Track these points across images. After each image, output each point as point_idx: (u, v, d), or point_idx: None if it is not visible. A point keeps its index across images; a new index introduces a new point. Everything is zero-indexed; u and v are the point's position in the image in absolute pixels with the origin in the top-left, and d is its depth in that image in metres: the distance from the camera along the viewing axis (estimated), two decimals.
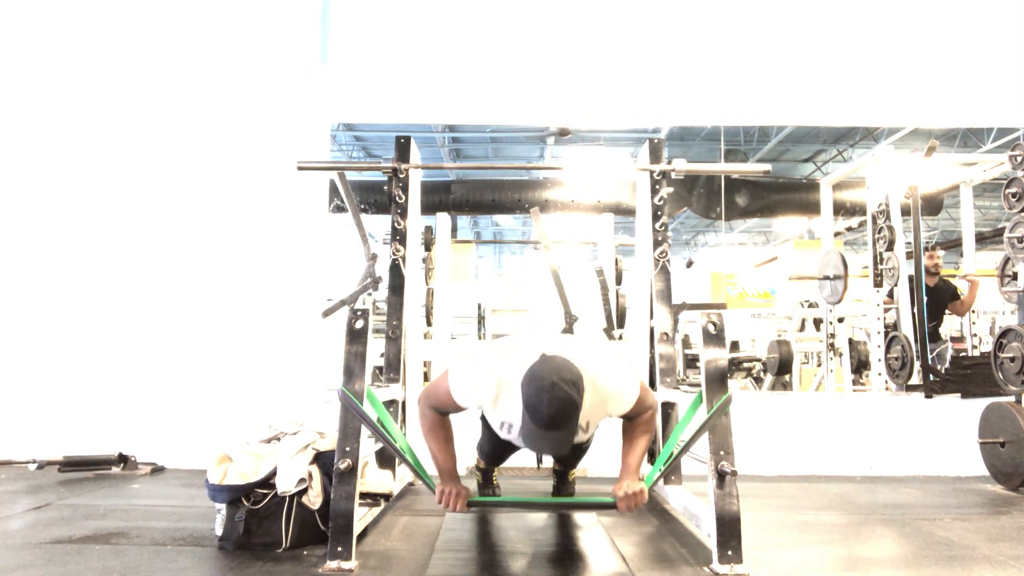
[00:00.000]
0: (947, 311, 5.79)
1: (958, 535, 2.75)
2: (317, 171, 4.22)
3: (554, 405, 1.98)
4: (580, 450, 2.81)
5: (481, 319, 9.35)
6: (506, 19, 4.59)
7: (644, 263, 3.36)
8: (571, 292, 5.67)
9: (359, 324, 2.52)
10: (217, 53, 4.47)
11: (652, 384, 3.17)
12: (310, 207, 4.39)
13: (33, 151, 4.44)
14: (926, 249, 5.39)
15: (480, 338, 8.98)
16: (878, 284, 4.98)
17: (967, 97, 4.62)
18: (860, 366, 6.21)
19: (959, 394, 4.32)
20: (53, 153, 4.43)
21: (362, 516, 2.54)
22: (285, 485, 2.46)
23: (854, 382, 6.11)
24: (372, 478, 2.83)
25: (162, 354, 4.27)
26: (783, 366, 7.21)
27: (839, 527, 2.90)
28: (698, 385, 2.50)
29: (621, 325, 5.29)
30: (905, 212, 4.87)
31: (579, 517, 2.96)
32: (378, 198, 8.68)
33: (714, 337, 2.50)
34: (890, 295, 4.99)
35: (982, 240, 8.30)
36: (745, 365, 8.56)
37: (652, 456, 3.12)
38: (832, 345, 6.01)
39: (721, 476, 2.30)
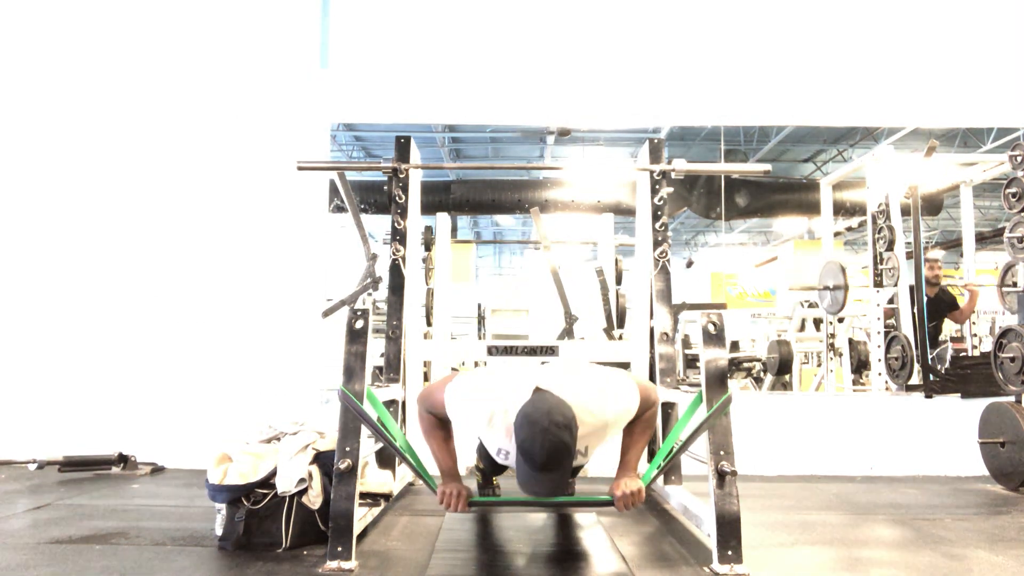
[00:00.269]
0: (947, 318, 5.83)
1: (958, 535, 2.75)
2: (317, 171, 4.23)
3: (546, 449, 1.97)
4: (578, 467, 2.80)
5: (481, 319, 9.35)
6: (505, 19, 4.59)
7: (644, 263, 3.36)
8: (571, 292, 5.68)
9: (359, 324, 2.52)
10: (218, 55, 4.47)
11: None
12: (310, 207, 4.39)
13: (35, 153, 4.45)
14: (927, 259, 5.40)
15: (480, 338, 8.97)
16: (878, 284, 4.98)
17: (967, 97, 4.62)
18: (860, 366, 6.20)
19: (959, 394, 4.32)
20: (55, 154, 4.43)
21: (362, 516, 2.54)
22: (285, 485, 2.46)
23: (854, 382, 6.10)
24: (372, 478, 2.83)
25: (162, 354, 4.27)
26: (783, 366, 7.20)
27: (839, 527, 2.90)
28: (698, 385, 2.50)
29: (621, 325, 5.28)
30: (905, 212, 4.87)
31: (579, 517, 2.96)
32: (378, 198, 8.67)
33: (714, 337, 2.50)
34: (889, 301, 5.02)
35: (982, 240, 8.29)
36: (745, 365, 8.56)
37: (651, 455, 3.12)
38: (832, 345, 6.01)
39: (721, 476, 2.30)
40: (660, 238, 3.26)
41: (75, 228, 4.39)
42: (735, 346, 9.84)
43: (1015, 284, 3.72)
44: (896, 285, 4.88)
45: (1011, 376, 3.67)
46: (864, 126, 9.55)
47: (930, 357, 4.57)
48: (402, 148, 3.32)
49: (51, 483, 3.67)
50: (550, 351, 3.47)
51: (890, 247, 4.90)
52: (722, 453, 2.32)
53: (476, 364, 5.72)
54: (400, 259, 3.26)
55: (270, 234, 4.36)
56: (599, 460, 3.37)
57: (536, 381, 2.17)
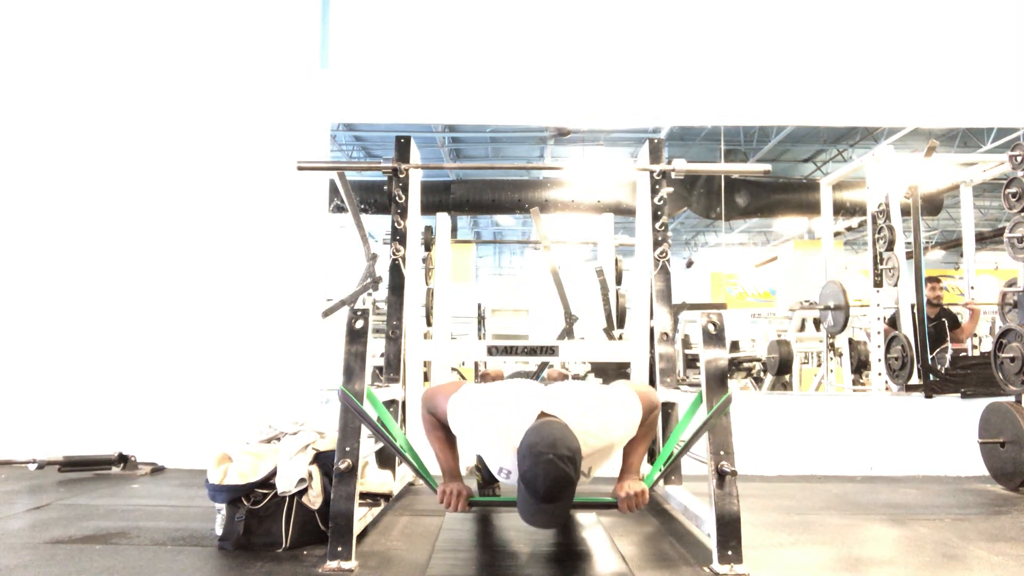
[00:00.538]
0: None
1: (958, 535, 2.75)
2: (317, 171, 4.23)
3: (549, 482, 1.94)
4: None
5: (481, 319, 9.35)
6: (505, 19, 4.59)
7: (644, 263, 3.36)
8: (571, 292, 5.67)
9: (359, 324, 2.52)
10: (218, 55, 4.47)
11: (652, 384, 3.17)
12: (310, 207, 4.39)
13: (36, 153, 4.45)
14: (928, 279, 5.42)
15: (480, 338, 8.97)
16: (878, 284, 4.98)
17: (967, 97, 4.62)
18: (860, 366, 6.20)
19: (959, 394, 4.32)
20: (55, 155, 4.44)
21: (362, 516, 2.54)
22: (285, 485, 2.46)
23: (854, 382, 6.10)
24: (372, 478, 2.83)
25: (162, 354, 4.27)
26: (783, 366, 7.20)
27: (839, 527, 2.90)
28: (698, 385, 2.50)
29: (621, 325, 5.29)
30: (905, 212, 4.87)
31: (579, 517, 2.96)
32: (378, 198, 8.67)
33: (714, 337, 2.50)
34: (892, 324, 5.05)
35: (982, 240, 8.29)
36: (745, 365, 8.56)
37: (652, 456, 3.12)
38: (832, 345, 6.01)
39: (721, 476, 2.30)
40: (660, 238, 3.26)
41: (75, 228, 4.39)
42: (735, 346, 9.84)
43: (1015, 304, 3.72)
44: (896, 285, 4.88)
45: (1011, 376, 3.67)
46: (864, 126, 9.55)
47: (930, 357, 4.57)
48: (402, 148, 3.32)
49: (51, 483, 3.67)
50: (550, 351, 3.47)
51: (890, 247, 4.90)
52: (722, 453, 2.32)
53: (476, 364, 5.72)
54: (400, 259, 3.26)
55: (270, 234, 4.36)
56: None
57: (541, 405, 2.15)
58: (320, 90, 4.47)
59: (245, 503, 2.46)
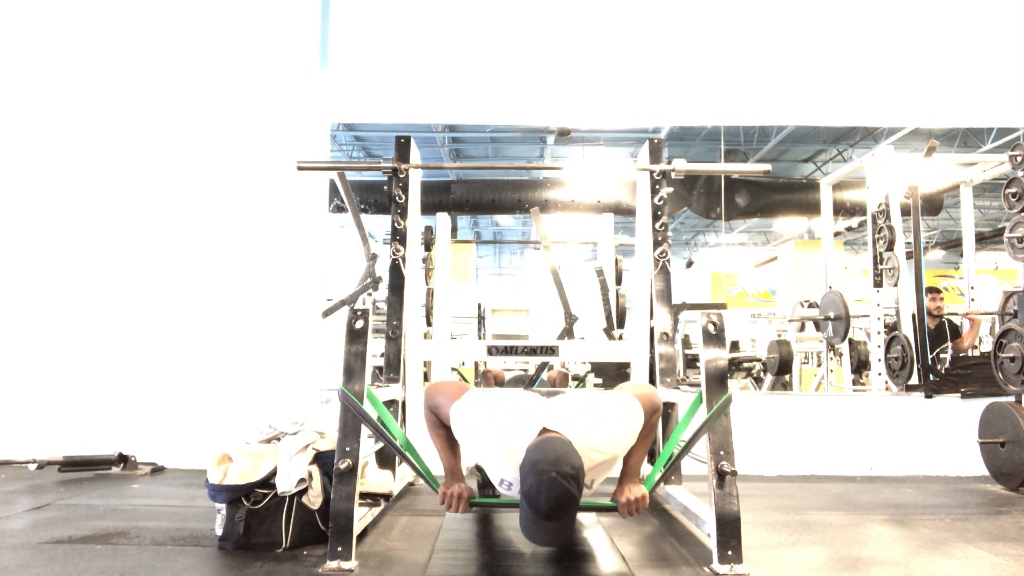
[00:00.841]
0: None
1: (958, 535, 2.75)
2: (317, 171, 4.23)
3: (552, 500, 1.93)
4: None
5: (481, 319, 9.34)
6: (505, 19, 4.59)
7: (644, 263, 3.35)
8: (571, 292, 5.67)
9: (359, 324, 2.52)
10: (218, 55, 4.48)
11: (652, 384, 3.17)
12: (310, 207, 4.39)
13: (36, 153, 4.45)
14: (929, 290, 5.41)
15: (480, 338, 8.97)
16: (878, 284, 4.98)
17: (967, 97, 4.62)
18: (860, 366, 6.20)
19: (959, 394, 4.32)
20: (55, 155, 4.44)
21: (362, 516, 2.54)
22: (285, 485, 2.46)
23: (854, 382, 6.10)
24: (372, 478, 2.83)
25: (162, 354, 4.28)
26: (783, 366, 7.20)
27: (839, 527, 2.90)
28: (698, 385, 2.50)
29: (621, 325, 5.28)
30: (905, 212, 4.86)
31: (579, 517, 2.95)
32: (378, 198, 8.66)
33: (714, 337, 2.50)
34: (892, 329, 5.02)
35: (982, 240, 8.28)
36: (745, 365, 8.55)
37: (652, 456, 3.12)
38: (832, 345, 6.00)
39: (721, 476, 2.30)
40: (660, 238, 3.26)
41: (75, 228, 4.39)
42: (735, 346, 9.83)
43: (1015, 314, 3.72)
44: (896, 285, 4.88)
45: (1011, 376, 3.67)
46: (864, 126, 9.54)
47: (930, 357, 4.56)
48: (402, 148, 3.32)
49: (51, 483, 3.67)
50: (550, 351, 3.47)
51: (890, 247, 4.89)
52: (722, 453, 2.32)
53: (476, 364, 5.72)
54: (400, 259, 3.26)
55: (270, 234, 4.36)
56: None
57: (543, 420, 2.14)
58: (320, 90, 4.47)
59: (245, 503, 2.46)
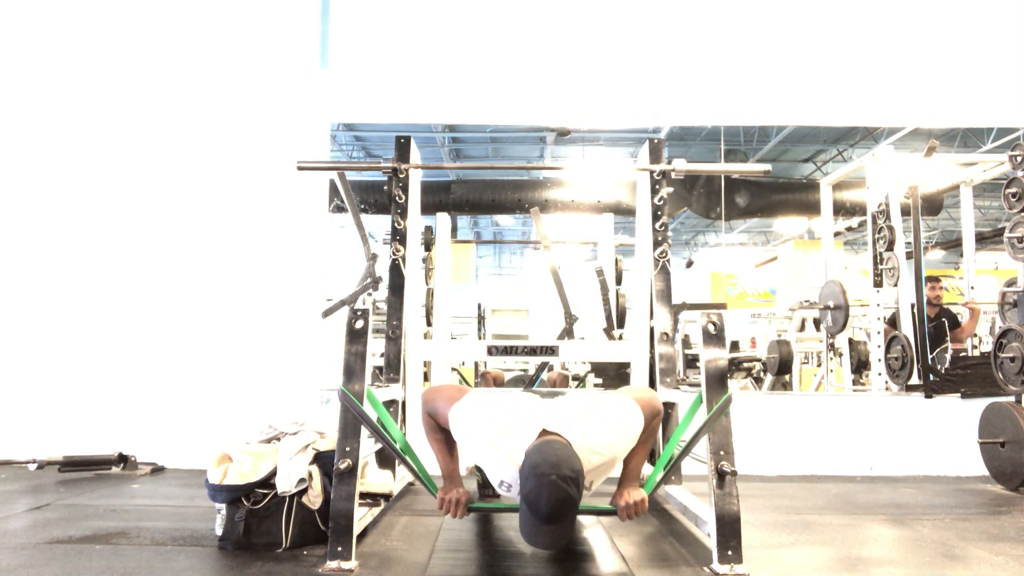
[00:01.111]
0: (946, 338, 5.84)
1: (958, 535, 2.75)
2: (317, 171, 4.22)
3: (553, 503, 1.92)
4: None
5: (481, 319, 9.34)
6: (505, 19, 4.59)
7: (644, 263, 3.35)
8: (571, 292, 5.67)
9: (359, 324, 2.52)
10: (218, 55, 4.48)
11: (652, 384, 3.17)
12: (310, 207, 4.39)
13: (36, 153, 4.45)
14: (928, 279, 5.41)
15: (480, 338, 8.97)
16: (878, 284, 4.98)
17: (967, 97, 4.62)
18: (860, 366, 6.20)
19: (959, 394, 4.32)
20: (55, 155, 4.44)
21: (362, 516, 2.54)
22: (285, 485, 2.46)
23: (854, 382, 6.10)
24: (372, 478, 2.83)
25: (162, 354, 4.28)
26: (783, 366, 7.20)
27: (839, 527, 2.90)
28: (698, 385, 2.50)
29: (621, 325, 5.28)
30: (905, 212, 4.86)
31: (579, 517, 2.95)
32: (378, 198, 8.66)
33: (714, 337, 2.50)
34: (892, 324, 5.01)
35: (982, 240, 8.28)
36: (745, 365, 8.55)
37: (652, 458, 3.12)
38: (832, 345, 6.00)
39: (721, 476, 2.30)
40: (660, 238, 3.26)
41: (76, 228, 4.39)
42: (735, 346, 9.83)
43: (1015, 304, 3.72)
44: (896, 285, 4.88)
45: (1011, 376, 3.67)
46: (864, 126, 9.54)
47: (930, 357, 4.56)
48: (402, 148, 3.32)
49: (51, 483, 3.67)
50: (550, 351, 3.47)
51: (890, 247, 4.89)
52: (722, 453, 2.32)
53: (476, 364, 5.72)
54: (400, 259, 3.26)
55: (270, 234, 4.36)
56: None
57: (543, 422, 2.13)
58: (320, 90, 4.47)
59: (245, 503, 2.46)
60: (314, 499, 2.50)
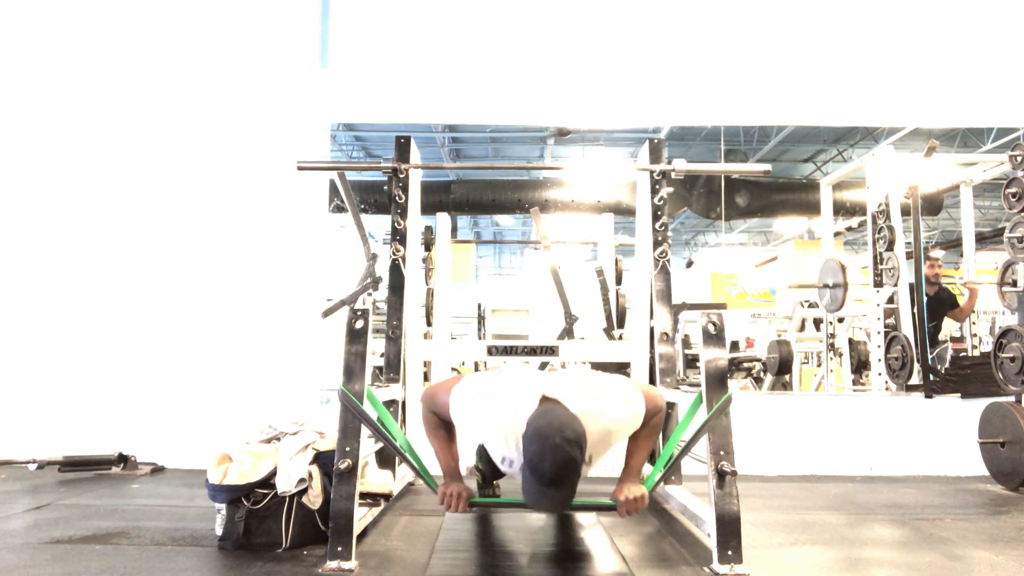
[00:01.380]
0: (946, 317, 5.81)
1: (958, 535, 2.75)
2: (317, 171, 4.22)
3: (556, 466, 1.94)
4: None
5: (481, 319, 9.34)
6: (506, 19, 4.59)
7: (644, 263, 3.36)
8: (571, 292, 5.67)
9: (359, 324, 2.52)
10: (218, 55, 4.47)
11: (652, 384, 3.17)
12: (310, 207, 4.39)
13: (36, 153, 4.45)
14: (927, 258, 5.39)
15: (480, 338, 8.97)
16: (878, 284, 4.98)
17: (967, 97, 4.62)
18: (860, 366, 6.20)
19: (959, 394, 4.32)
20: (55, 154, 4.43)
21: (362, 516, 2.54)
22: (285, 485, 2.46)
23: (854, 382, 6.10)
24: (372, 478, 2.83)
25: (162, 354, 4.27)
26: (783, 366, 7.20)
27: (839, 527, 2.90)
28: (698, 385, 2.50)
29: (621, 325, 5.29)
30: (905, 212, 4.87)
31: (579, 517, 2.96)
32: (378, 198, 8.66)
33: (714, 337, 2.50)
34: (889, 300, 4.98)
35: (982, 240, 8.27)
36: (745, 365, 8.56)
37: (652, 457, 3.12)
38: (832, 345, 6.01)
39: (721, 476, 2.30)
40: (660, 238, 3.26)
41: (76, 228, 4.39)
42: (735, 346, 9.83)
43: (1015, 283, 3.72)
44: (896, 285, 4.88)
45: (1011, 376, 3.67)
46: (864, 126, 9.54)
47: (930, 357, 4.56)
48: (402, 148, 3.32)
49: (51, 483, 3.67)
50: (550, 351, 3.47)
51: (890, 247, 4.89)
52: (722, 453, 2.32)
53: (476, 364, 5.72)
54: (400, 259, 3.26)
55: (270, 234, 4.36)
56: (600, 462, 3.36)
57: (543, 389, 2.15)
58: (320, 90, 4.47)
59: (245, 503, 2.46)
60: (314, 499, 2.50)
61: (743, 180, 9.57)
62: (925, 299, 4.59)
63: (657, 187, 3.29)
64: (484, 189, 9.09)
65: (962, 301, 5.75)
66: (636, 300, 3.60)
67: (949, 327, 6.47)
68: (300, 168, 3.35)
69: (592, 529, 2.81)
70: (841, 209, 8.48)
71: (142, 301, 4.32)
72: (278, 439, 2.64)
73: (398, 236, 3.27)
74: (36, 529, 2.73)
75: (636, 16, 4.60)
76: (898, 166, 5.04)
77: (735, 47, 4.60)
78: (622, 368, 3.57)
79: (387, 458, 3.16)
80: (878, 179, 5.08)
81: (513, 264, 19.90)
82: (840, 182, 6.27)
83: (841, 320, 6.07)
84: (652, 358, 3.23)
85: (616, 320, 5.23)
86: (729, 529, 2.25)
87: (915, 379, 4.58)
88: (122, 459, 3.98)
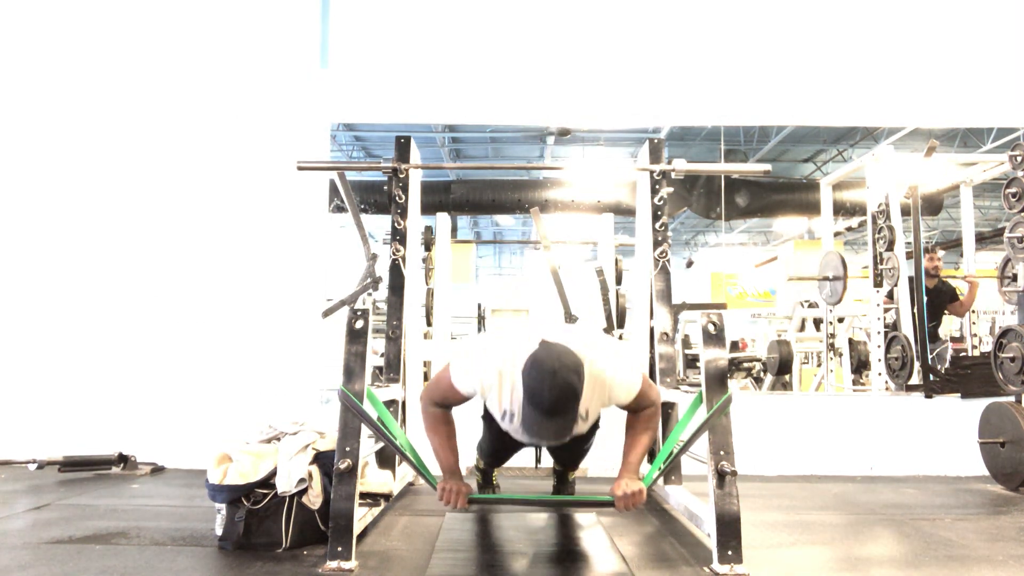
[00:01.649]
0: (946, 312, 5.79)
1: (958, 535, 2.75)
2: (317, 171, 4.22)
3: (555, 391, 2.00)
4: (580, 448, 2.80)
5: (481, 319, 9.34)
6: (506, 19, 4.59)
7: (644, 263, 3.36)
8: (571, 292, 5.67)
9: (359, 324, 2.52)
10: (218, 56, 4.47)
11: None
12: (310, 207, 4.39)
13: (36, 153, 4.45)
14: (926, 250, 5.38)
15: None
16: (878, 284, 4.98)
17: (967, 97, 4.62)
18: (860, 366, 6.20)
19: (959, 394, 4.32)
20: (56, 154, 4.44)
21: (362, 516, 2.54)
22: (285, 485, 2.46)
23: (854, 382, 6.10)
24: (372, 478, 2.83)
25: (162, 354, 4.27)
26: (783, 366, 7.20)
27: (839, 527, 2.90)
28: (698, 385, 2.50)
29: (621, 325, 5.28)
30: (905, 212, 4.86)
31: (579, 517, 2.96)
32: (378, 198, 8.67)
33: (714, 337, 2.50)
34: (890, 295, 4.97)
35: (982, 240, 8.29)
36: (745, 365, 8.56)
37: (652, 456, 3.12)
38: (832, 345, 6.00)
39: (721, 476, 2.30)
40: (660, 238, 3.26)
41: (76, 228, 4.39)
42: (735, 346, 9.83)
43: (1015, 277, 3.71)
44: (896, 285, 4.88)
45: (1011, 376, 3.67)
46: (864, 126, 9.55)
47: (930, 357, 4.56)
48: (402, 148, 3.32)
49: (51, 483, 3.67)
50: None
51: (890, 247, 4.89)
52: (722, 453, 2.32)
53: None
54: (400, 259, 3.26)
55: (270, 234, 4.36)
56: (599, 460, 3.38)
57: (543, 335, 2.21)
58: (320, 90, 4.47)
59: (245, 503, 2.46)
60: (314, 499, 2.50)
61: (743, 180, 9.58)
62: (925, 292, 4.57)
63: (657, 187, 3.29)
64: (484, 189, 9.09)
65: (962, 295, 5.72)
66: (636, 300, 3.60)
67: (949, 327, 6.46)
68: (300, 168, 3.35)
69: (592, 529, 2.81)
70: (841, 209, 8.50)
71: (142, 301, 4.32)
72: (278, 439, 2.64)
73: (398, 236, 3.27)
74: (36, 529, 2.73)
75: (636, 16, 4.60)
76: (898, 166, 5.04)
77: (735, 47, 4.60)
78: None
79: (387, 458, 3.16)
80: (878, 179, 5.08)
81: (513, 264, 19.91)
82: (840, 182, 6.28)
83: (841, 320, 6.07)
84: (652, 358, 3.23)
85: (616, 320, 5.23)
86: (729, 529, 2.25)
87: (915, 379, 4.58)
88: (122, 459, 3.98)
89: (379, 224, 9.93)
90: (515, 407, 2.26)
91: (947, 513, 3.17)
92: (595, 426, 2.66)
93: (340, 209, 5.01)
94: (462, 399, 2.42)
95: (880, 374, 4.89)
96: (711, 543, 2.30)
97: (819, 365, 6.85)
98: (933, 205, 8.80)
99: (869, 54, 4.60)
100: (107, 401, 4.21)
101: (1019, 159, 3.73)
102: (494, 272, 19.94)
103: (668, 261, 3.25)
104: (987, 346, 5.27)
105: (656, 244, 3.25)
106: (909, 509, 3.27)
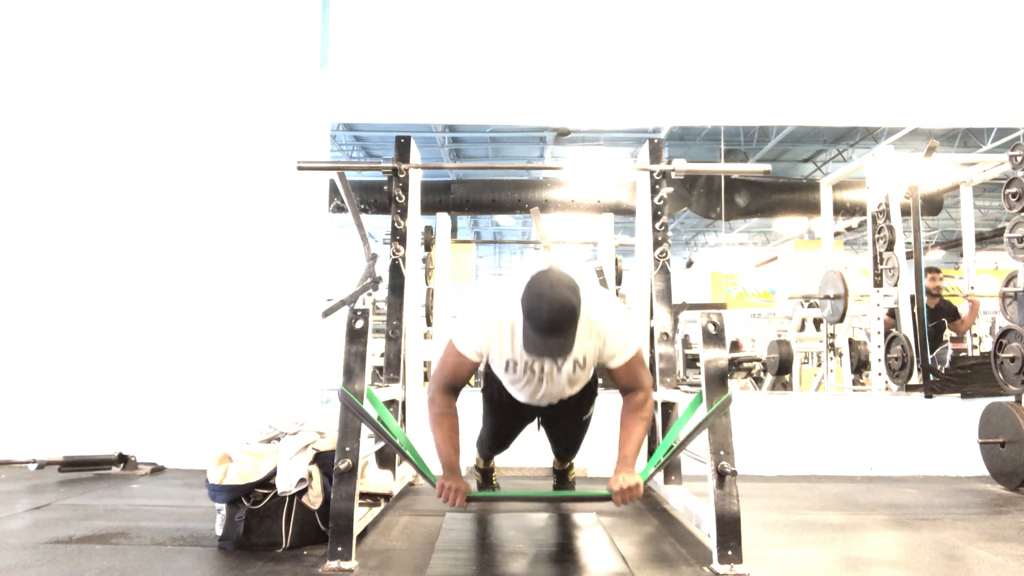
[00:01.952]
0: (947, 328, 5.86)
1: (958, 535, 2.75)
2: (317, 171, 4.22)
3: (553, 308, 2.06)
4: (578, 421, 2.76)
5: None
6: (506, 19, 4.59)
7: (644, 263, 3.36)
8: None
9: (359, 324, 2.52)
10: (218, 56, 4.47)
11: (652, 383, 3.17)
12: (310, 207, 4.39)
13: (36, 153, 4.45)
14: (928, 270, 5.41)
15: None
16: (878, 284, 4.98)
17: (967, 97, 4.62)
18: (860, 366, 6.20)
19: (959, 394, 4.32)
20: (56, 154, 4.44)
21: (362, 516, 2.54)
22: (285, 485, 2.46)
23: (854, 382, 6.10)
24: (372, 478, 2.83)
25: (162, 354, 4.27)
26: (783, 366, 7.20)
27: (839, 527, 2.90)
28: (698, 385, 2.50)
29: None
30: (905, 212, 4.87)
31: (579, 517, 2.96)
32: (378, 198, 8.67)
33: (714, 337, 2.50)
34: (891, 315, 4.99)
35: (982, 240, 8.28)
36: (745, 365, 8.56)
37: (650, 453, 3.12)
38: (832, 345, 6.00)
39: (721, 476, 2.30)
40: (660, 238, 3.26)
41: (76, 228, 4.39)
42: (735, 346, 9.83)
43: (1015, 296, 3.71)
44: (896, 285, 4.88)
45: (1011, 376, 3.67)
46: (864, 126, 9.55)
47: (930, 357, 4.56)
48: (402, 148, 3.32)
49: (51, 483, 3.67)
50: None
51: (890, 247, 4.89)
52: (722, 453, 2.32)
53: None
54: (400, 259, 3.26)
55: (270, 234, 4.36)
56: (599, 460, 3.37)
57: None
58: (320, 90, 4.47)
59: (245, 503, 2.46)
60: (314, 499, 2.50)
61: (743, 180, 9.58)
62: (926, 311, 4.60)
63: (657, 187, 3.29)
64: (484, 189, 9.10)
65: (963, 312, 5.80)
66: (636, 300, 3.60)
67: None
68: (300, 168, 3.35)
69: (592, 529, 2.81)
70: (841, 209, 8.50)
71: (142, 301, 4.32)
72: (278, 439, 2.64)
73: (398, 236, 3.27)
74: (36, 529, 2.73)
75: (636, 16, 4.60)
76: (898, 166, 5.04)
77: (735, 47, 4.60)
78: None
79: (387, 458, 3.16)
80: (878, 179, 5.08)
81: (513, 264, 19.91)
82: (840, 182, 6.28)
83: (841, 320, 6.06)
84: (652, 358, 3.23)
85: None
86: (729, 529, 2.25)
87: (915, 379, 4.58)
88: (122, 459, 3.98)
89: (379, 224, 9.93)
90: (517, 355, 2.32)
91: (947, 513, 3.17)
92: (592, 391, 2.67)
93: (340, 209, 5.01)
94: (470, 369, 2.46)
95: (880, 374, 4.89)
96: (711, 543, 2.30)
97: (819, 365, 6.85)
98: (933, 205, 8.80)
99: (869, 54, 4.60)
100: (107, 401, 4.21)
101: (1019, 159, 3.73)
102: (494, 272, 19.95)
103: (668, 261, 3.25)
104: (987, 346, 5.27)
105: (656, 244, 3.26)
106: (909, 509, 3.27)
